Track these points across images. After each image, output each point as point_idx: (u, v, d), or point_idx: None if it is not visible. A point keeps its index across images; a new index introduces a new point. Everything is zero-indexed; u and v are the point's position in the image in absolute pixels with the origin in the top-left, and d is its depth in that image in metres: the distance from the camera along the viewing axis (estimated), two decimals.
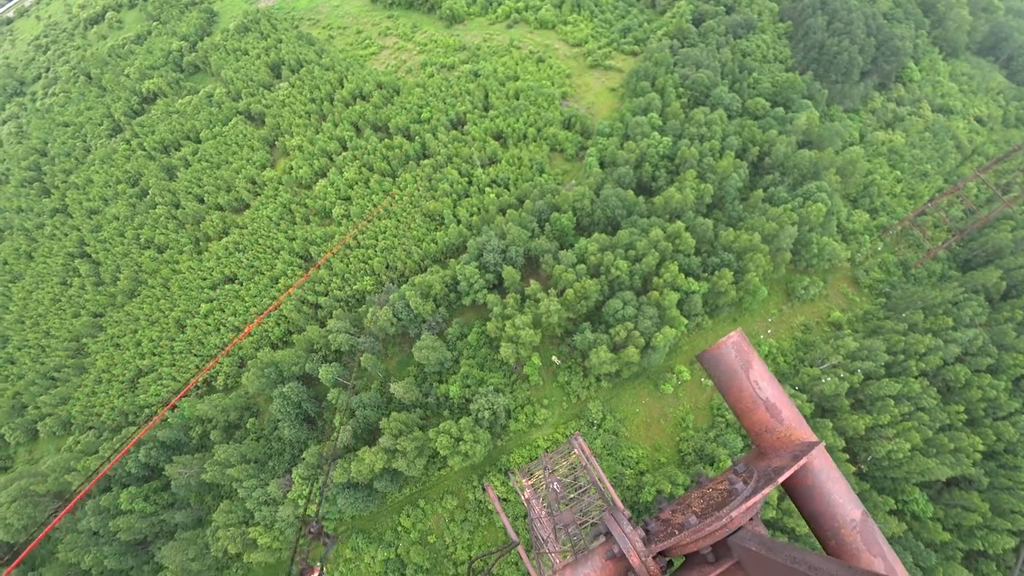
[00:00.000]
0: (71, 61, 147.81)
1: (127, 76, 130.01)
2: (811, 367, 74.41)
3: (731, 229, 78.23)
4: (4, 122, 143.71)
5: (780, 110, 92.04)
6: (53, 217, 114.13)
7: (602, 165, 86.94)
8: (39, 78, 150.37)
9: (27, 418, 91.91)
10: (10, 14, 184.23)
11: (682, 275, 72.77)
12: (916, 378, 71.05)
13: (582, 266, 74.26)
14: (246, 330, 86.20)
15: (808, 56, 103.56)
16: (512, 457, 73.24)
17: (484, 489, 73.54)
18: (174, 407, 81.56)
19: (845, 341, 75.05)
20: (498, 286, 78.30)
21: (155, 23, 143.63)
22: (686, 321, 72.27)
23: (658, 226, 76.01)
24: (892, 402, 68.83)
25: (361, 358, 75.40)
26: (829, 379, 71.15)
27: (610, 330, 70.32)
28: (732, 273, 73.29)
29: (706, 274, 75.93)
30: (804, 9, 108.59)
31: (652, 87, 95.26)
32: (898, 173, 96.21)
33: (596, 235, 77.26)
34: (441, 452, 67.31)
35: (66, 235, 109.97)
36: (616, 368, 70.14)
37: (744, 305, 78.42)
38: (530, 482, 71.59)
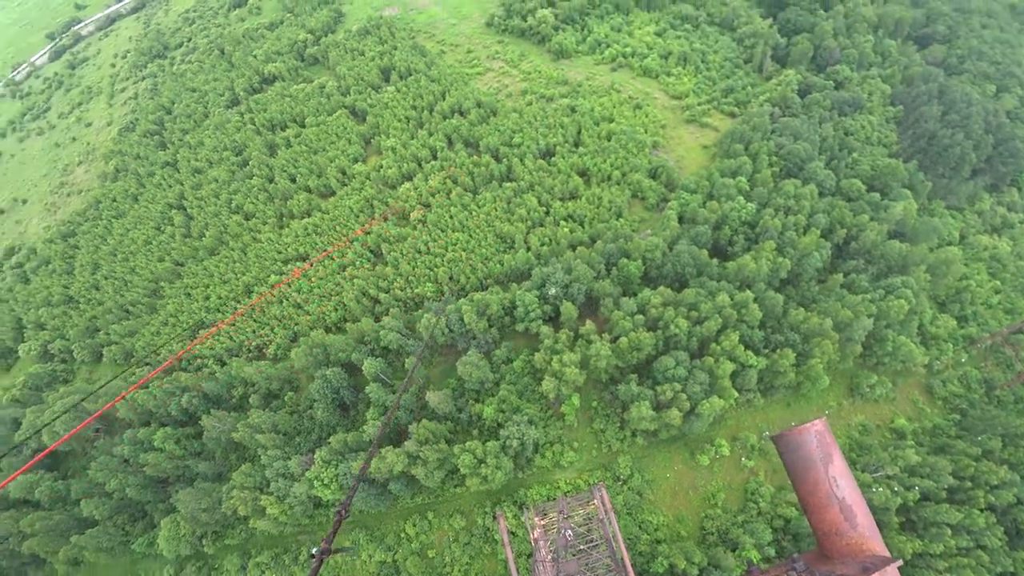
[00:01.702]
0: (210, 36, 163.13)
1: (254, 57, 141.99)
2: (863, 472, 69.46)
3: (802, 309, 75.45)
4: (143, 79, 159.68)
5: (876, 196, 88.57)
6: (163, 168, 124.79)
7: (681, 220, 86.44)
8: (180, 46, 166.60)
9: (96, 341, 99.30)
10: None
11: (742, 346, 70.53)
12: (982, 511, 64.74)
13: (641, 317, 73.39)
14: (212, 330, 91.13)
15: (915, 144, 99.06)
16: (530, 492, 71.99)
17: (495, 517, 72.47)
18: (145, 385, 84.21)
19: (906, 452, 69.91)
20: (554, 319, 78.39)
21: (288, 15, 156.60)
22: (737, 394, 69.63)
23: (726, 292, 74.35)
24: (949, 532, 63.07)
25: (406, 361, 76.86)
26: (881, 489, 66.16)
27: (657, 387, 68.75)
28: (795, 355, 70.46)
29: (767, 350, 73.24)
30: (919, 96, 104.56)
31: (745, 151, 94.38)
32: (998, 283, 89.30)
33: (661, 288, 76.44)
34: (461, 470, 67.13)
35: (170, 187, 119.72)
36: (655, 427, 68.27)
37: (802, 391, 74.81)
38: (543, 522, 69.91)
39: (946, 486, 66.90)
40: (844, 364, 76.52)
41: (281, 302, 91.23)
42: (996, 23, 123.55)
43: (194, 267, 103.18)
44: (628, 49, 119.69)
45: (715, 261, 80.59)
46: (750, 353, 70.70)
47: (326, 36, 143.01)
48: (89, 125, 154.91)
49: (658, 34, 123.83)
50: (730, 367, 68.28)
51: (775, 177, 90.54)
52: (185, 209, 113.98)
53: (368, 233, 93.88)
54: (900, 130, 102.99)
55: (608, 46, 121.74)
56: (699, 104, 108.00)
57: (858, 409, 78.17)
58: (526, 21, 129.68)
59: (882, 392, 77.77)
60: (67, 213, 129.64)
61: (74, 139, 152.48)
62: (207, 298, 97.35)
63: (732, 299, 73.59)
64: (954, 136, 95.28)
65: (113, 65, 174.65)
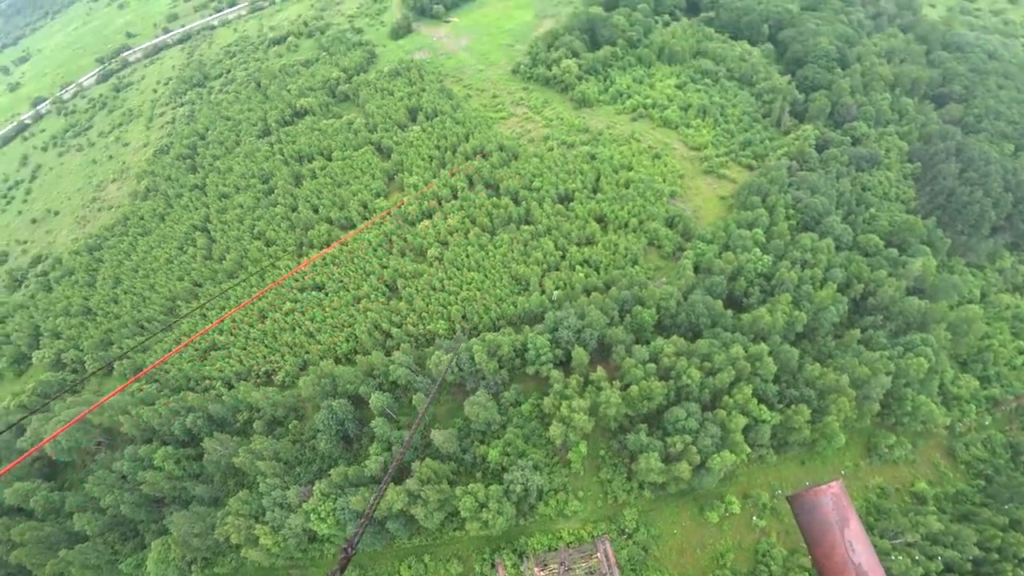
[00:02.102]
0: (249, 69, 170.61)
1: (288, 91, 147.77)
2: (881, 538, 66.60)
3: (818, 364, 74.15)
4: (182, 105, 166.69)
5: (894, 251, 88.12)
6: (191, 191, 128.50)
7: (696, 270, 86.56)
8: (220, 76, 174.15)
9: (109, 354, 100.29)
10: (215, 23, 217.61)
11: (755, 400, 69.26)
12: None
13: (653, 365, 72.70)
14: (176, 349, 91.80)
15: (934, 201, 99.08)
16: (531, 541, 70.08)
17: (494, 565, 70.47)
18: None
19: (928, 519, 66.92)
20: (565, 364, 77.87)
21: (324, 53, 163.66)
22: (749, 450, 68.00)
23: (740, 343, 73.57)
24: None
25: (413, 397, 76.44)
26: (901, 558, 63.24)
27: (667, 438, 67.51)
28: (810, 411, 69.00)
29: (781, 405, 71.87)
30: (936, 153, 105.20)
31: (762, 203, 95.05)
32: (1021, 343, 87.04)
33: (675, 338, 75.91)
34: (462, 512, 65.64)
35: (196, 209, 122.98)
36: (663, 480, 66.64)
37: (817, 449, 72.93)
38: (543, 573, 67.80)
39: (971, 557, 63.94)
40: (861, 423, 74.62)
41: (294, 329, 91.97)
42: (1013, 84, 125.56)
43: (212, 289, 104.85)
44: (649, 100, 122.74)
45: (730, 312, 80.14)
46: (763, 407, 69.40)
47: (358, 75, 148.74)
48: (126, 145, 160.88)
49: (679, 87, 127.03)
50: (743, 421, 67.03)
51: (792, 230, 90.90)
52: (209, 232, 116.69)
53: (400, 207, 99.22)
54: (918, 187, 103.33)
55: (629, 97, 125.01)
56: (717, 156, 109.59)
57: (876, 471, 75.70)
58: (551, 70, 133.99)
59: (901, 454, 75.51)
60: (96, 227, 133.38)
61: (111, 157, 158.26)
62: (222, 319, 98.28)
63: (746, 351, 72.78)
64: (973, 193, 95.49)
65: (155, 90, 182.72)
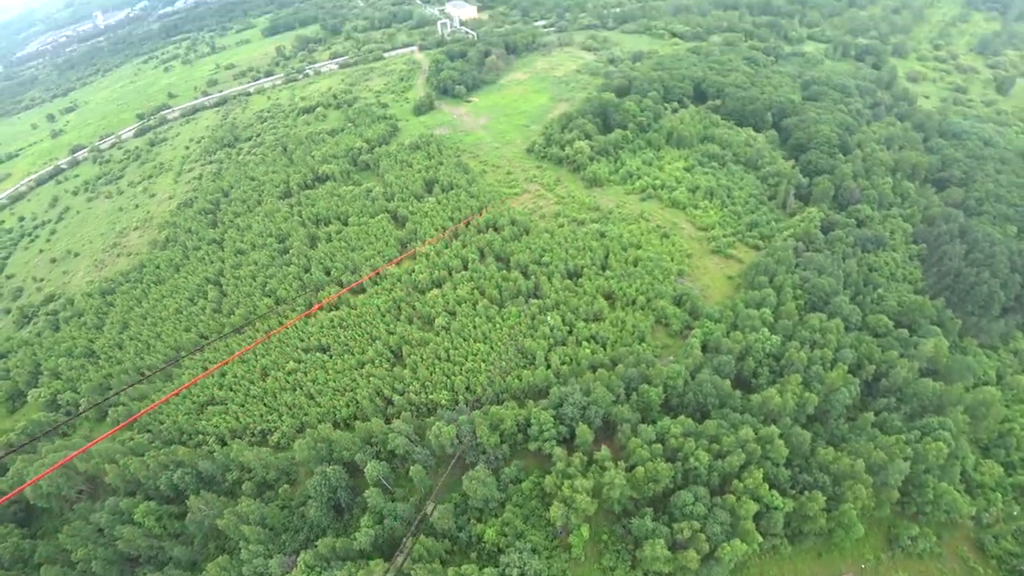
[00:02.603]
0: (277, 134, 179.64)
1: (312, 157, 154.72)
2: None
3: (831, 448, 72.04)
4: (211, 162, 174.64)
5: (904, 332, 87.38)
6: (209, 245, 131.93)
7: (704, 349, 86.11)
8: (250, 139, 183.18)
9: (105, 399, 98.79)
10: (251, 90, 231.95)
11: (766, 485, 66.76)
12: None
13: (659, 446, 70.98)
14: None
15: (941, 282, 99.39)
16: None
17: None
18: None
19: None
20: (568, 441, 76.17)
21: (349, 124, 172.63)
22: (761, 539, 64.65)
23: (750, 425, 72.12)
24: None
25: (411, 468, 74.47)
26: None
27: (673, 524, 64.80)
28: (825, 498, 66.07)
29: (794, 491, 69.08)
30: (941, 235, 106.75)
31: (770, 283, 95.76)
32: None
33: (682, 418, 74.55)
34: None
35: (212, 262, 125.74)
36: (670, 569, 63.10)
37: (834, 539, 68.99)
38: None
39: None
40: (881, 512, 71.03)
41: (295, 389, 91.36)
42: (1010, 168, 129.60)
43: (217, 342, 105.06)
44: (658, 181, 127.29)
45: (738, 393, 79.07)
46: (775, 493, 66.81)
47: (380, 146, 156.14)
48: (153, 196, 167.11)
49: (687, 169, 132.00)
50: (754, 507, 64.37)
51: (800, 310, 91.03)
52: (221, 285, 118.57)
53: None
54: (924, 268, 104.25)
55: (639, 178, 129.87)
56: (724, 236, 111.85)
57: (899, 564, 70.89)
58: (563, 150, 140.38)
59: (926, 546, 70.87)
60: (112, 272, 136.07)
61: (136, 206, 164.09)
62: (223, 374, 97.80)
63: (756, 433, 71.16)
64: (980, 274, 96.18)
65: (187, 147, 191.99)
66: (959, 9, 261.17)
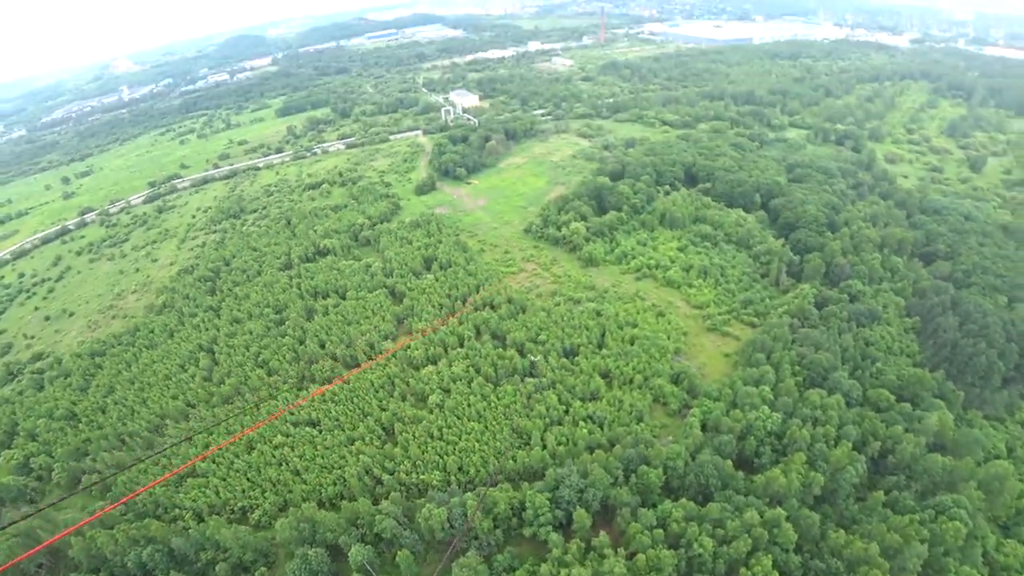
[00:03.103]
0: (283, 208, 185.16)
1: (314, 231, 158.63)
2: None
3: (842, 531, 68.38)
4: (215, 232, 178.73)
5: (907, 406, 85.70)
6: (205, 312, 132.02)
7: (704, 428, 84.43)
8: (255, 211, 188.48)
9: (80, 465, 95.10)
10: (260, 165, 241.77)
11: (776, 573, 62.74)
12: None
13: (661, 531, 67.53)
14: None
15: (939, 354, 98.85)
16: None
17: None
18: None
19: None
20: (565, 526, 72.80)
21: (353, 201, 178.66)
22: None
23: (755, 508, 68.90)
24: None
25: (398, 554, 70.62)
26: None
27: None
28: None
29: None
30: (933, 307, 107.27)
31: (767, 360, 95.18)
32: None
33: (683, 501, 71.59)
34: None
35: (207, 330, 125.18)
36: None
37: None
38: None
39: None
40: None
41: (280, 464, 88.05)
42: (992, 241, 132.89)
43: (204, 411, 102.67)
44: (652, 261, 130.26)
45: (741, 474, 76.49)
46: None
47: (382, 223, 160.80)
48: (155, 261, 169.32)
49: (680, 249, 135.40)
50: None
51: (799, 387, 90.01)
52: (214, 353, 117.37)
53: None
54: (920, 340, 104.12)
55: (634, 258, 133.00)
56: (720, 314, 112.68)
57: None
58: (560, 231, 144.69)
59: None
60: (105, 333, 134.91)
61: (137, 270, 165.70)
62: (207, 446, 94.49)
63: (762, 516, 67.89)
64: (976, 345, 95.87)
65: (193, 216, 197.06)
66: (927, 96, 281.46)
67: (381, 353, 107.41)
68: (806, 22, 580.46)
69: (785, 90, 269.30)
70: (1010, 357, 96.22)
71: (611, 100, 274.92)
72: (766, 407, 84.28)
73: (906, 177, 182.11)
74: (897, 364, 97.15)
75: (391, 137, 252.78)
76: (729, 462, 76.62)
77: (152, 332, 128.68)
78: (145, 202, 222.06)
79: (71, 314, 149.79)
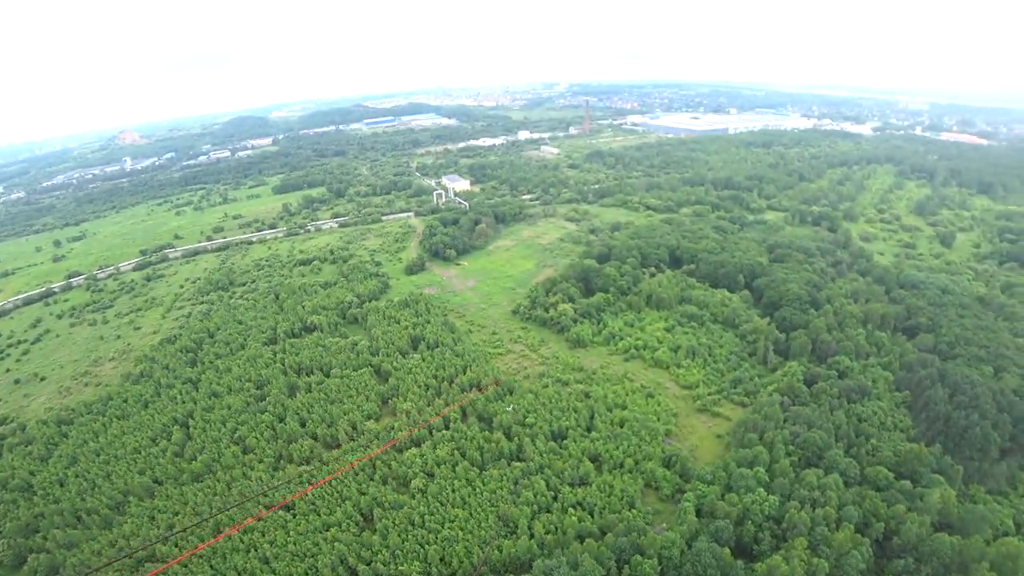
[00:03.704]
0: (272, 282, 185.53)
1: (302, 307, 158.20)
2: None
3: None
4: (203, 302, 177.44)
5: (906, 483, 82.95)
6: (184, 384, 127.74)
7: (699, 513, 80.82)
8: (244, 284, 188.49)
9: (29, 543, 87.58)
10: (253, 239, 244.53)
11: None
12: None
13: None
14: None
15: (933, 427, 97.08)
16: None
17: None
18: None
19: None
20: None
21: (343, 278, 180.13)
22: None
23: None
24: None
25: None
26: None
27: None
28: None
29: None
30: (922, 380, 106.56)
31: (760, 440, 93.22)
32: None
33: None
34: None
35: (183, 403, 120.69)
36: None
37: None
38: None
39: None
40: None
41: (248, 551, 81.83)
42: (971, 313, 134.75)
43: (171, 489, 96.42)
44: (640, 342, 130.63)
45: (740, 562, 71.97)
46: None
47: (370, 302, 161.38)
48: (138, 329, 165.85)
49: (667, 330, 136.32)
50: None
51: (794, 467, 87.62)
52: (188, 428, 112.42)
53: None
54: (912, 414, 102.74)
55: (622, 339, 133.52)
56: (709, 394, 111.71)
57: None
58: (548, 312, 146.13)
59: None
60: (75, 400, 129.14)
61: (118, 337, 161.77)
62: (171, 527, 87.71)
63: None
64: (969, 417, 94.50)
65: (182, 286, 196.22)
66: (893, 178, 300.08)
67: (368, 450, 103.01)
68: (776, 114, 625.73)
69: (761, 175, 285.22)
70: (1004, 428, 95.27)
71: (597, 186, 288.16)
72: (762, 489, 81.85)
73: (882, 254, 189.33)
74: (892, 440, 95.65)
75: (384, 218, 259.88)
76: (727, 549, 72.84)
77: (125, 402, 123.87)
78: (135, 269, 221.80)
79: (43, 378, 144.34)
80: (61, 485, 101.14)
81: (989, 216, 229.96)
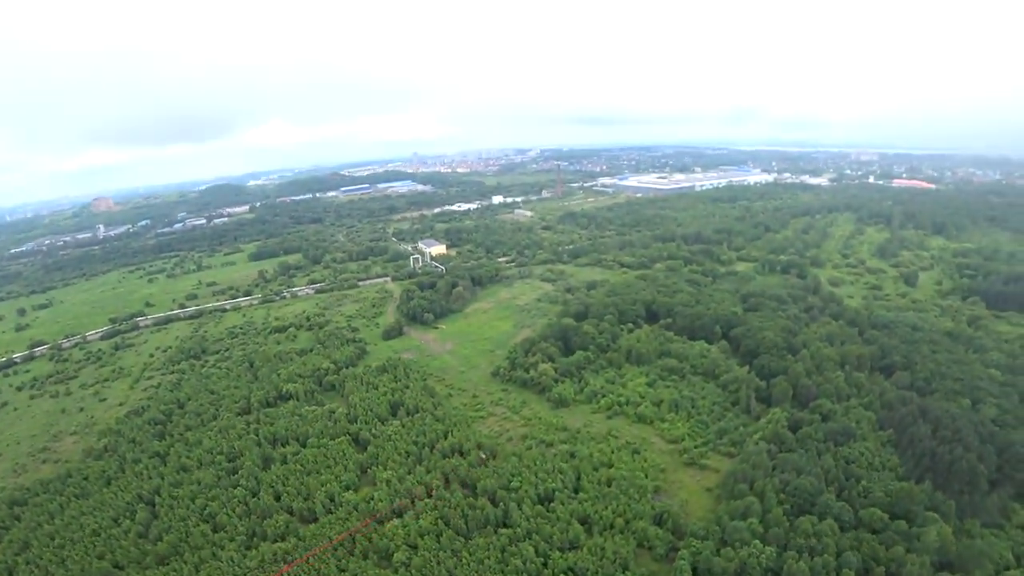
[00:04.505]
0: (247, 350, 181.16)
1: (277, 375, 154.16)
2: None
3: None
4: (173, 372, 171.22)
5: (902, 523, 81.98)
6: (151, 458, 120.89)
7: (695, 572, 78.22)
8: (217, 352, 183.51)
9: None
10: (227, 307, 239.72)
11: None
12: None
13: None
14: None
15: (920, 464, 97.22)
16: None
17: None
18: None
19: None
20: None
21: (319, 345, 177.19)
22: None
23: None
24: None
25: None
26: None
27: None
28: None
29: None
30: (904, 418, 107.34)
31: (750, 490, 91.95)
32: None
33: None
34: None
35: (149, 478, 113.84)
36: None
37: None
38: None
39: None
40: None
41: None
42: (942, 347, 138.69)
43: (133, 574, 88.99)
44: (623, 398, 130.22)
45: None
46: None
47: (347, 368, 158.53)
48: (103, 400, 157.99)
49: (649, 384, 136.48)
50: None
51: (788, 515, 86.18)
52: (154, 505, 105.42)
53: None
54: (899, 452, 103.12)
55: (604, 396, 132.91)
56: (696, 447, 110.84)
57: None
58: (528, 373, 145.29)
59: None
60: (31, 479, 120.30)
61: (81, 410, 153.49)
62: None
63: None
64: (954, 451, 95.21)
65: (151, 355, 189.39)
66: (853, 225, 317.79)
67: (347, 524, 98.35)
68: (738, 171, 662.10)
69: (729, 228, 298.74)
70: (990, 459, 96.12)
71: (571, 246, 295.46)
72: (758, 541, 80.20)
73: (851, 297, 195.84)
74: (882, 480, 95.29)
75: (360, 283, 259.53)
76: None
77: (86, 479, 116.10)
78: (103, 338, 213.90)
79: None
80: (10, 574, 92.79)
81: (947, 254, 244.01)
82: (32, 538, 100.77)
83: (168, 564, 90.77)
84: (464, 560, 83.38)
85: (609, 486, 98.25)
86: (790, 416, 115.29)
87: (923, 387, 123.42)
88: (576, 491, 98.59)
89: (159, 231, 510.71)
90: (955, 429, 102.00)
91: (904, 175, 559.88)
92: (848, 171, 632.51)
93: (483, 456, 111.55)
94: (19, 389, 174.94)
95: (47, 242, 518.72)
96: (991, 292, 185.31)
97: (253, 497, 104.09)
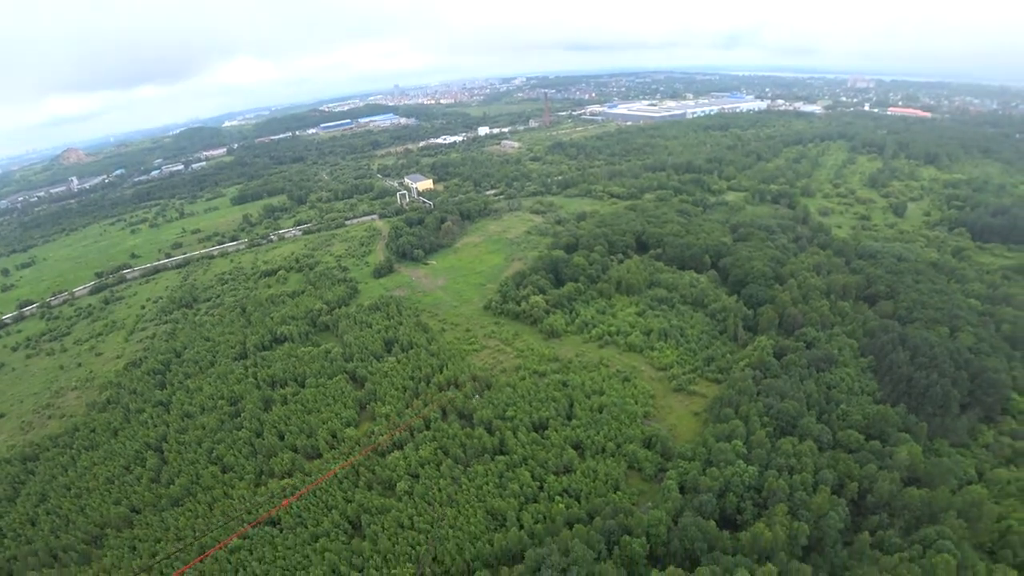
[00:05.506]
0: (238, 296, 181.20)
1: (271, 318, 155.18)
2: None
3: None
4: (166, 322, 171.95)
5: (876, 443, 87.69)
6: (154, 407, 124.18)
7: (682, 490, 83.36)
8: (208, 300, 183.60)
9: None
10: (214, 253, 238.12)
11: None
12: None
13: None
14: None
15: (897, 389, 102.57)
16: None
17: None
18: None
19: None
20: None
21: (310, 286, 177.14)
22: None
23: (745, 567, 66.95)
24: None
25: None
26: None
27: None
28: None
29: None
30: (884, 345, 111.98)
31: (736, 414, 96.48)
32: None
33: (672, 569, 68.82)
34: None
35: (155, 426, 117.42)
36: None
37: None
38: None
39: None
40: None
41: (236, 572, 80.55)
42: (925, 278, 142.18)
43: (151, 517, 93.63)
44: (613, 328, 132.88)
45: (726, 533, 74.77)
46: None
47: (340, 308, 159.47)
48: (100, 355, 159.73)
49: (639, 314, 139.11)
50: None
51: (770, 437, 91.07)
52: (163, 452, 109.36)
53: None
54: (877, 378, 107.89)
55: (595, 326, 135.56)
56: (684, 374, 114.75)
57: None
58: (520, 306, 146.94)
59: None
60: (39, 435, 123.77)
61: (79, 365, 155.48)
62: (154, 555, 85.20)
63: (753, 575, 66.04)
64: (930, 376, 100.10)
65: (143, 307, 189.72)
66: (846, 154, 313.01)
67: (349, 457, 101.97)
68: (731, 97, 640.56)
69: (720, 158, 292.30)
70: (962, 384, 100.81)
71: (560, 177, 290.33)
72: (741, 461, 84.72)
73: (839, 227, 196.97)
74: (860, 403, 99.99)
75: (348, 222, 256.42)
76: (712, 522, 75.40)
77: (93, 431, 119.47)
78: (91, 293, 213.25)
79: (1, 415, 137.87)
80: (33, 524, 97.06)
81: (937, 185, 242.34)
82: (49, 490, 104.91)
83: (182, 505, 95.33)
84: (464, 486, 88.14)
85: (600, 413, 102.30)
86: (776, 343, 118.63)
87: (904, 316, 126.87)
88: (569, 418, 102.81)
89: (136, 180, 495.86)
90: (932, 356, 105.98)
91: (900, 103, 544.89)
92: (844, 98, 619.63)
93: (477, 388, 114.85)
94: (14, 349, 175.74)
95: (20, 199, 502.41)
96: (977, 224, 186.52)
97: (258, 437, 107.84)
